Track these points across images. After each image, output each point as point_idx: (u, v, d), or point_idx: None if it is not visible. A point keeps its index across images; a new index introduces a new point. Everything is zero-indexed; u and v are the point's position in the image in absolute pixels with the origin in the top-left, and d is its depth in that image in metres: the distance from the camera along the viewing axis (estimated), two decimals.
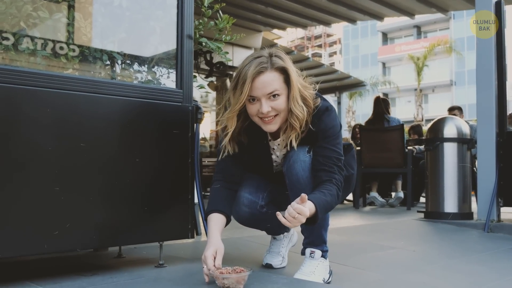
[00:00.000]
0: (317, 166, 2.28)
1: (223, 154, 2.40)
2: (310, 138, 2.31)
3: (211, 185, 2.44)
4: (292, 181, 2.33)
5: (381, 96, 7.75)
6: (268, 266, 2.74)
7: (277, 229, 2.78)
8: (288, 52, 11.67)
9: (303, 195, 1.98)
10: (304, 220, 1.98)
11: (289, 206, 2.00)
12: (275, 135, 2.42)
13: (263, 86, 2.16)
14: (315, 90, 2.35)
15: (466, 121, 5.50)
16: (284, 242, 2.84)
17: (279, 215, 1.98)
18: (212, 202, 2.36)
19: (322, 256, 2.42)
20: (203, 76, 9.56)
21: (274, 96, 2.19)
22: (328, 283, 2.42)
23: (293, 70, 2.23)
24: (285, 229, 2.81)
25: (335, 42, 67.53)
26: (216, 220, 2.30)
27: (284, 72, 2.21)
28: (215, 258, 2.11)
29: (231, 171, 2.45)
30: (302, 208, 1.96)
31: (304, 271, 2.38)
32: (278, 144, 2.43)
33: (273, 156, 2.49)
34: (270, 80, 2.17)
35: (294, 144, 2.29)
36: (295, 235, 2.96)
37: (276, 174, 2.55)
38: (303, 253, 2.45)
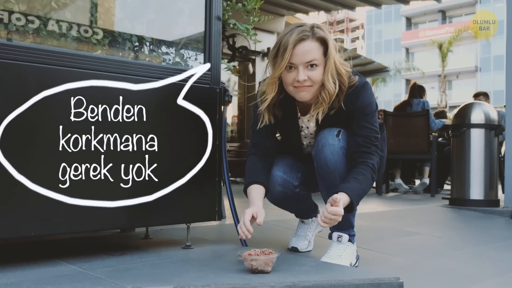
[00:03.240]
0: (355, 147, 2.28)
1: (260, 124, 2.42)
2: (341, 117, 2.32)
3: (247, 158, 2.50)
4: (320, 165, 2.33)
5: (415, 81, 7.58)
6: (294, 250, 2.75)
7: (306, 212, 2.79)
8: None
9: (334, 197, 2.04)
10: (340, 219, 2.05)
11: (323, 210, 2.06)
12: (305, 111, 2.43)
13: (303, 53, 2.19)
14: (351, 68, 2.36)
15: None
16: (312, 226, 2.84)
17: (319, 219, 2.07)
18: (251, 174, 2.41)
19: (350, 240, 2.42)
20: (226, 60, 9.53)
21: (311, 66, 2.21)
22: (355, 267, 2.41)
23: (332, 43, 2.26)
24: (314, 214, 2.81)
25: (357, 27, 66.74)
26: (257, 190, 2.36)
27: (324, 43, 2.24)
28: (254, 219, 2.18)
29: (266, 144, 2.49)
30: (336, 209, 2.02)
31: (331, 255, 2.38)
32: (308, 120, 2.45)
33: (302, 133, 2.50)
34: (310, 49, 2.20)
35: (320, 117, 2.31)
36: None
37: (306, 157, 2.54)
38: (330, 237, 2.45)
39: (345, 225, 2.39)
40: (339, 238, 2.41)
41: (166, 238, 2.86)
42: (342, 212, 2.03)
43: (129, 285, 1.79)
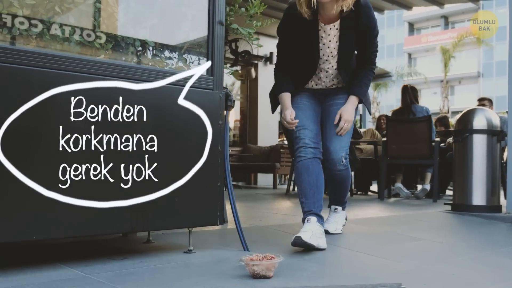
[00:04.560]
0: (367, 59, 3.07)
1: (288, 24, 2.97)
2: (357, 33, 2.90)
3: (275, 71, 3.10)
4: (335, 180, 3.20)
5: (406, 84, 7.57)
6: (326, 232, 3.11)
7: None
8: None
9: (337, 116, 2.97)
10: (351, 125, 2.99)
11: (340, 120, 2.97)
12: (328, 19, 2.88)
13: None
14: None
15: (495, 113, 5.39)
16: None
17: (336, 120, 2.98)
18: (280, 85, 3.06)
19: (342, 209, 3.41)
20: (228, 65, 9.56)
21: None
22: (344, 225, 3.40)
23: None
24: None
25: None
26: (287, 96, 3.02)
27: None
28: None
29: (287, 64, 3.10)
30: (344, 122, 2.96)
31: (330, 221, 3.34)
32: (330, 29, 2.90)
33: (321, 44, 2.94)
34: None
35: (345, 8, 2.73)
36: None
37: (317, 80, 3.11)
38: (329, 207, 3.40)
39: (340, 201, 3.40)
40: (336, 210, 3.39)
41: (168, 242, 2.86)
42: (351, 118, 2.96)
43: None
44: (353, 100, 2.99)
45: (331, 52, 2.97)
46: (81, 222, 2.11)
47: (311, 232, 2.69)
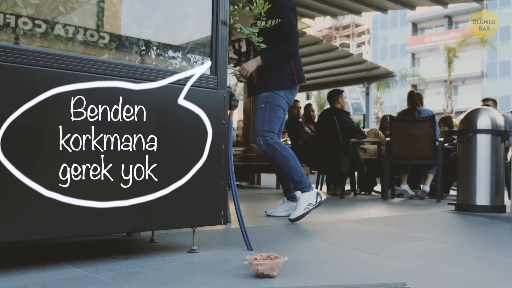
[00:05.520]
0: (282, 39, 3.80)
1: None
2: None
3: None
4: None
5: (412, 89, 7.61)
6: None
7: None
8: (317, 41, 11.54)
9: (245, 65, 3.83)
10: (251, 68, 3.88)
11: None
12: None
13: None
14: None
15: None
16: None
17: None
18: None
19: (304, 191, 3.69)
20: (232, 65, 9.52)
21: None
22: (317, 206, 3.68)
23: None
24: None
25: (363, 32, 66.68)
26: None
27: None
28: None
29: None
30: (242, 68, 3.85)
31: (294, 208, 3.72)
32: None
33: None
34: None
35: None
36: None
37: None
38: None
39: (288, 190, 3.96)
40: (295, 198, 3.84)
41: (172, 242, 2.86)
42: (249, 68, 3.87)
43: None
44: (257, 58, 3.84)
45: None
46: (83, 222, 2.11)
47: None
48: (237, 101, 2.65)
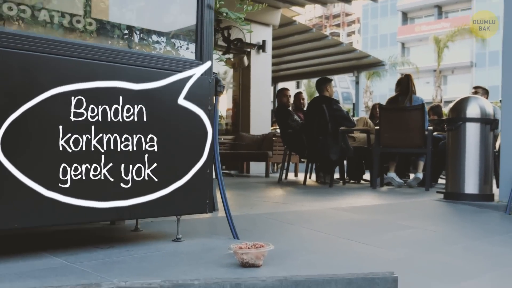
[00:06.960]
0: None
1: None
2: None
3: None
4: None
5: (410, 73, 7.47)
6: None
7: None
8: (307, 30, 11.48)
9: None
10: None
11: None
12: None
13: None
14: None
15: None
16: None
17: None
18: None
19: None
20: (220, 53, 9.46)
21: None
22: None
23: None
24: None
25: (353, 22, 66.57)
26: None
27: None
28: None
29: None
30: None
31: None
32: None
33: None
34: None
35: None
36: None
37: None
38: None
39: None
40: None
41: (156, 230, 2.81)
42: None
43: (115, 279, 1.74)
44: None
45: None
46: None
47: None
48: (223, 86, 2.60)
